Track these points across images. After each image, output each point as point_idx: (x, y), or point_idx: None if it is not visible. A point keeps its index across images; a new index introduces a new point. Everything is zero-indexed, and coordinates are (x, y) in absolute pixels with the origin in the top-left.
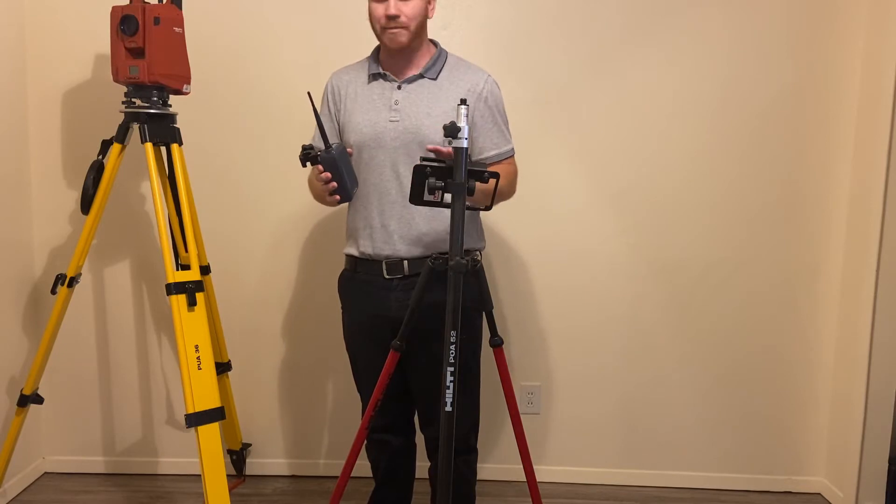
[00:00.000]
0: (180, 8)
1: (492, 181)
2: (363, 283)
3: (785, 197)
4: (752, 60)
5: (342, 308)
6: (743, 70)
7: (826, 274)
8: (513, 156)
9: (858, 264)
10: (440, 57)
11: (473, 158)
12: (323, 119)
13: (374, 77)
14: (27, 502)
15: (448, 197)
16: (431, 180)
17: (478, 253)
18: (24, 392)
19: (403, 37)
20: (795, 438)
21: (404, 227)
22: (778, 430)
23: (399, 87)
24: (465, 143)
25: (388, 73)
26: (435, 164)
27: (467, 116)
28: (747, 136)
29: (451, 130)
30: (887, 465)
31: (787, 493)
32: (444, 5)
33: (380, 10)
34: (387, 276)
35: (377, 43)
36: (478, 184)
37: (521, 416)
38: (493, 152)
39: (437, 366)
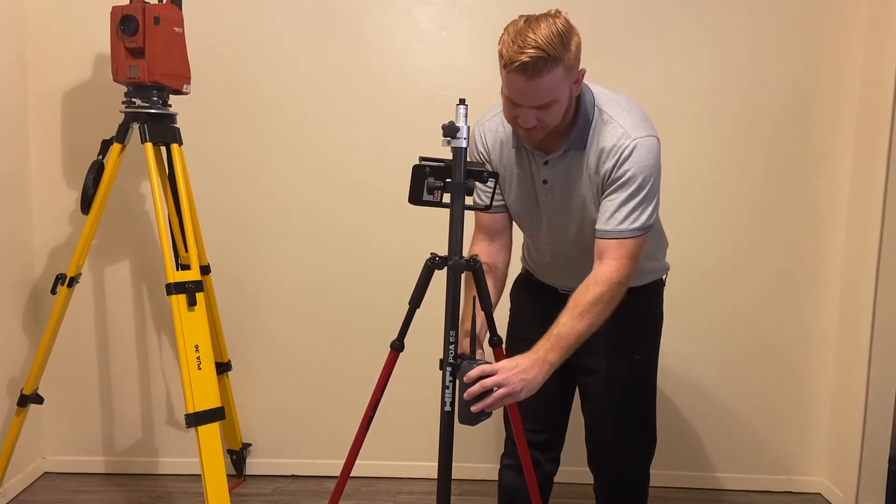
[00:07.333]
0: (180, 8)
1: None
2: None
3: (785, 196)
4: (752, 61)
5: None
6: (743, 70)
7: (826, 274)
8: (634, 237)
9: (858, 264)
10: (587, 118)
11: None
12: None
13: (518, 149)
14: (27, 502)
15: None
16: (430, 180)
17: (662, 277)
18: (24, 392)
19: (540, 136)
20: (795, 438)
21: (567, 281)
22: (778, 430)
23: (546, 164)
24: (463, 143)
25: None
26: (434, 163)
27: (465, 116)
28: (747, 136)
29: (450, 130)
30: (887, 465)
31: (787, 492)
32: (444, 5)
33: (511, 112)
34: (561, 292)
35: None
36: None
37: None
38: (600, 226)
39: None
